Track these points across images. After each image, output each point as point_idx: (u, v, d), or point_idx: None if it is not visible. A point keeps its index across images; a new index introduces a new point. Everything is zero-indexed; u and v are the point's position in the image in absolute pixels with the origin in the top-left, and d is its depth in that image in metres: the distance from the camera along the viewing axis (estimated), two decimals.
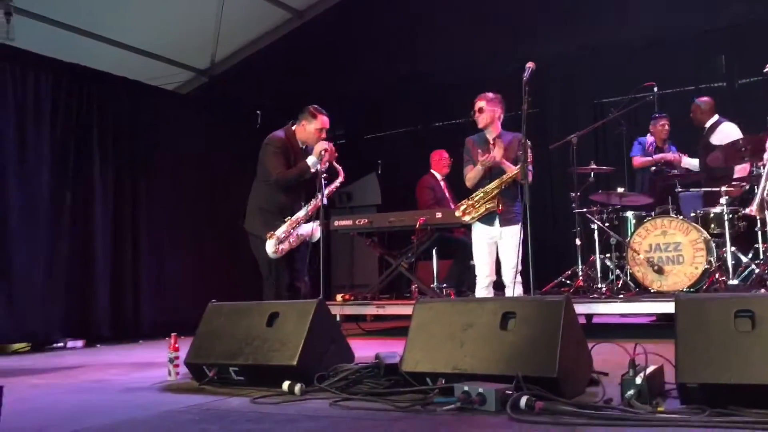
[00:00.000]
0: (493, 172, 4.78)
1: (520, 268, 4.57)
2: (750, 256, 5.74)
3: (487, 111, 4.82)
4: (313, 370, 3.27)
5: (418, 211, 6.63)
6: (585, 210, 6.39)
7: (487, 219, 4.80)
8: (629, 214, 6.38)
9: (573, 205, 6.42)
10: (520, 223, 4.69)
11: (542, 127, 8.00)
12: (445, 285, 6.76)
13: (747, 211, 4.53)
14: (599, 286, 6.08)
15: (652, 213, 6.18)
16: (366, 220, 6.68)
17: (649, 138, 6.82)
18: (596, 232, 6.29)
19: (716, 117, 6.41)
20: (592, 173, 6.49)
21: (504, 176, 4.69)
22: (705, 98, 6.53)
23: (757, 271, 5.47)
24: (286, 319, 3.48)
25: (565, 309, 2.88)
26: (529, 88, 4.07)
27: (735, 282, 5.54)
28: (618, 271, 6.18)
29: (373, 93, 9.38)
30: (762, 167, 5.22)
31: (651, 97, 6.37)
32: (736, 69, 7.51)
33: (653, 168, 6.78)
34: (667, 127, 6.74)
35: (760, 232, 5.59)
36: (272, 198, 4.83)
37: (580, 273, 6.36)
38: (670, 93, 7.46)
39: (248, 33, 9.68)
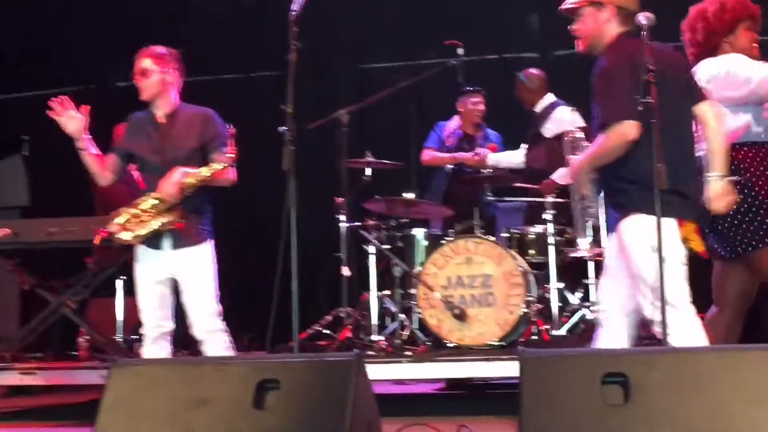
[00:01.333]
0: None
1: (218, 308, 4.62)
2: (580, 295, 6.15)
3: (155, 74, 4.70)
4: None
5: (96, 217, 6.22)
6: (357, 224, 6.42)
7: (154, 240, 4.70)
8: (419, 232, 6.56)
9: (339, 216, 6.42)
10: (209, 242, 4.71)
11: (278, 96, 8.00)
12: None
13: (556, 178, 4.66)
14: (374, 338, 6.14)
15: (451, 231, 6.39)
16: (4, 231, 6.13)
17: (453, 123, 7.08)
18: (372, 257, 6.36)
19: (550, 98, 6.77)
20: (369, 169, 6.53)
21: (194, 173, 4.58)
22: (534, 71, 6.89)
23: (590, 317, 5.86)
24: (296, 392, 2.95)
25: (356, 375, 2.80)
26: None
27: (562, 332, 5.89)
28: (403, 316, 6.28)
29: None
30: None
31: (455, 63, 6.53)
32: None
33: (450, 167, 7.03)
34: (481, 106, 7.03)
35: (591, 264, 6.01)
36: None
37: (347, 318, 6.36)
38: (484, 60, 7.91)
39: None
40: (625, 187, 3.75)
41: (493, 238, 6.14)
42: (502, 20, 8.47)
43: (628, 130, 3.59)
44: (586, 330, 5.93)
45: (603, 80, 3.82)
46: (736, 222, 4.25)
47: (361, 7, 8.49)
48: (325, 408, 2.75)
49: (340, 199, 6.41)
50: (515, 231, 6.33)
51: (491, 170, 6.70)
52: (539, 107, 6.78)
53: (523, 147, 6.89)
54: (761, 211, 4.24)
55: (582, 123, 6.24)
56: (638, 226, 3.65)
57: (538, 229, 6.18)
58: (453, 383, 6.32)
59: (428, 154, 7.10)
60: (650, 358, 2.73)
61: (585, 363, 2.71)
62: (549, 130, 6.57)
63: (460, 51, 6.43)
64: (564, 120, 6.46)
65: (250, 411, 2.82)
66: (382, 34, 8.66)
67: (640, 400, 2.61)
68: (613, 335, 3.94)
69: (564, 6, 4.00)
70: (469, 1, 8.21)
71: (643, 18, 3.66)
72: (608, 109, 3.72)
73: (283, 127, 3.79)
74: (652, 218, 3.43)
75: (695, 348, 3.33)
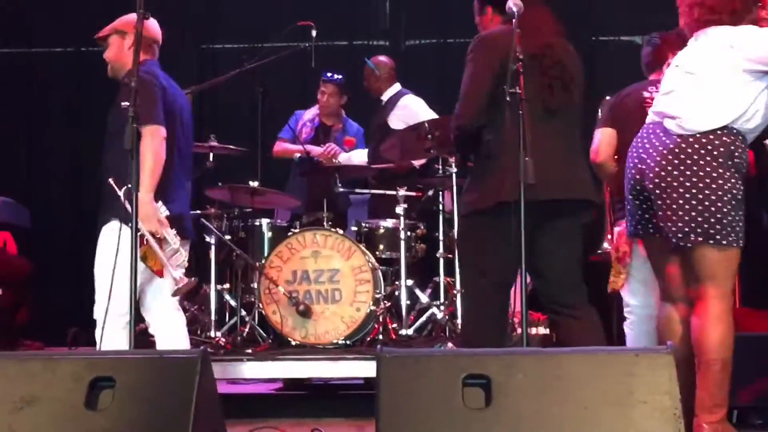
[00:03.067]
0: None
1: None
2: (429, 293, 6.16)
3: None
4: None
5: None
6: (198, 212, 6.25)
7: None
8: (264, 222, 6.45)
9: None
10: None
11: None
12: None
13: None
14: (212, 334, 6.02)
15: (298, 223, 6.30)
16: None
17: (310, 112, 6.99)
18: (213, 248, 6.21)
19: (397, 87, 6.78)
20: (211, 154, 6.38)
21: None
22: (382, 58, 6.87)
23: (439, 316, 5.87)
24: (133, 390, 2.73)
25: (201, 372, 2.66)
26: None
27: (409, 332, 5.89)
28: (243, 312, 6.16)
29: None
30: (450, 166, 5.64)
31: (307, 46, 6.44)
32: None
33: (298, 156, 6.95)
34: (334, 97, 6.93)
35: (442, 260, 6.03)
36: None
37: (184, 313, 6.20)
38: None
39: None
40: None
41: (342, 232, 6.07)
42: (353, 6, 8.45)
43: None
44: (435, 330, 5.96)
45: None
46: None
47: None
48: (165, 409, 2.60)
49: None
50: (365, 225, 6.29)
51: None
52: (386, 96, 6.76)
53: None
54: None
55: (431, 114, 6.28)
56: None
57: (389, 223, 6.16)
58: (291, 383, 6.22)
59: (279, 146, 7.00)
60: (514, 360, 2.71)
61: (445, 364, 2.65)
62: (395, 119, 6.54)
63: (314, 33, 6.34)
64: (415, 111, 6.47)
65: (82, 411, 2.64)
66: (227, 14, 8.52)
67: (502, 402, 2.57)
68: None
69: None
70: None
71: (513, 5, 3.66)
72: None
73: (126, 103, 3.62)
74: None
75: (559, 350, 3.36)
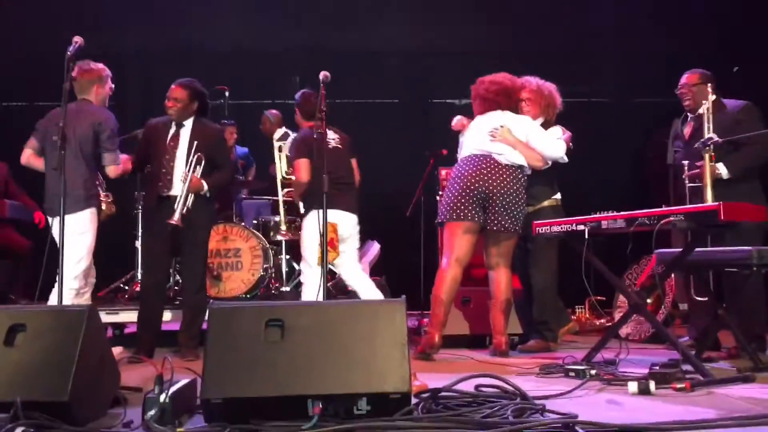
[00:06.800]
0: None
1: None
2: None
3: None
4: (89, 405, 2.46)
5: None
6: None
7: None
8: None
9: (136, 204, 6.01)
10: None
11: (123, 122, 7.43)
12: None
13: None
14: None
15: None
16: None
17: None
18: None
19: (283, 129, 6.64)
20: None
21: None
22: (274, 111, 6.74)
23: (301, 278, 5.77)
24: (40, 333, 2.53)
25: (88, 320, 2.53)
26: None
27: (287, 288, 5.79)
28: (177, 276, 5.95)
29: None
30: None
31: (221, 101, 6.32)
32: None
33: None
34: (234, 135, 6.76)
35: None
36: None
37: (139, 277, 5.97)
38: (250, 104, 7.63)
39: None
40: None
41: (243, 224, 5.93)
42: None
43: None
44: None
45: None
46: None
47: (183, 67, 7.99)
48: (60, 346, 2.46)
49: (137, 193, 5.98)
50: (261, 219, 6.16)
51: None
52: (276, 135, 6.53)
53: None
54: None
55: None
56: None
57: (276, 217, 6.02)
58: None
59: None
60: (301, 309, 2.65)
61: (253, 312, 2.56)
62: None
63: (227, 93, 6.23)
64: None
65: (2, 348, 2.49)
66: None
67: (292, 338, 2.51)
68: None
69: None
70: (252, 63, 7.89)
71: (322, 75, 3.66)
72: None
73: None
74: None
75: (330, 302, 3.37)
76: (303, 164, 4.66)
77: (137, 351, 4.34)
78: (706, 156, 4.08)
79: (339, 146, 4.80)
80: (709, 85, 4.30)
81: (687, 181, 4.28)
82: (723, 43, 6.94)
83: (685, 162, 4.31)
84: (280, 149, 5.53)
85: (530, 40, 7.52)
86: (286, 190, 5.54)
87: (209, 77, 7.32)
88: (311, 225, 4.61)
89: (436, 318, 4.30)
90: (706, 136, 4.09)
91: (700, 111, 4.21)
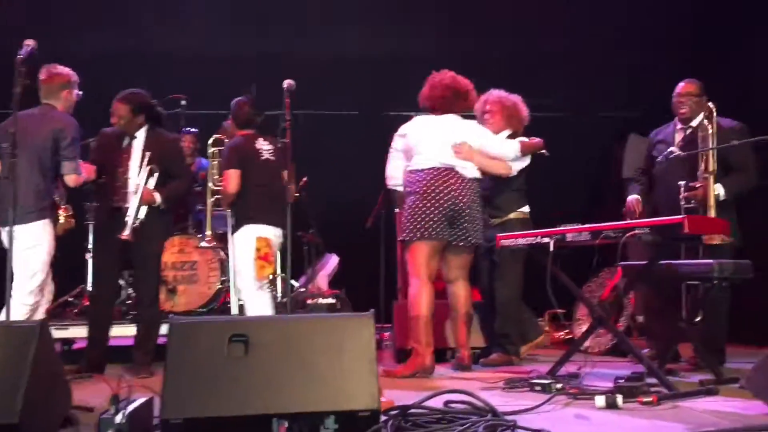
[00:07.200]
0: None
1: None
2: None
3: None
4: (40, 426, 2.31)
5: None
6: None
7: None
8: None
9: (87, 216, 5.80)
10: None
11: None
12: None
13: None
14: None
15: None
16: None
17: None
18: None
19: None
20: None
21: None
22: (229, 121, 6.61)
23: None
24: None
25: (39, 337, 2.40)
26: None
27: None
28: (131, 290, 5.76)
29: None
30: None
31: (177, 110, 6.16)
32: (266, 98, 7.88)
33: None
34: (191, 144, 6.58)
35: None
36: None
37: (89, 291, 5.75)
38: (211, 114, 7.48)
39: None
40: None
41: (200, 235, 5.75)
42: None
43: None
44: None
45: None
46: None
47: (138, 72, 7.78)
48: (9, 364, 2.33)
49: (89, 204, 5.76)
50: (217, 231, 5.98)
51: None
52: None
53: None
54: None
55: None
56: None
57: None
58: None
59: None
60: (266, 324, 2.56)
61: (217, 327, 2.46)
62: None
63: (183, 102, 6.09)
64: None
65: None
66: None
67: (256, 354, 2.42)
68: None
69: None
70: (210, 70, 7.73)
71: (286, 84, 3.61)
72: None
73: None
74: None
75: (295, 317, 3.26)
76: (232, 175, 4.55)
77: (87, 368, 4.17)
78: (710, 178, 4.02)
79: (271, 158, 4.66)
80: (705, 97, 4.27)
81: (683, 203, 4.12)
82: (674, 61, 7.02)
83: (682, 183, 4.14)
84: (213, 155, 5.33)
85: (491, 51, 7.52)
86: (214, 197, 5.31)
87: (169, 84, 7.22)
88: (243, 241, 4.53)
89: (427, 337, 4.12)
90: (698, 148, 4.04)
91: (693, 123, 4.19)
